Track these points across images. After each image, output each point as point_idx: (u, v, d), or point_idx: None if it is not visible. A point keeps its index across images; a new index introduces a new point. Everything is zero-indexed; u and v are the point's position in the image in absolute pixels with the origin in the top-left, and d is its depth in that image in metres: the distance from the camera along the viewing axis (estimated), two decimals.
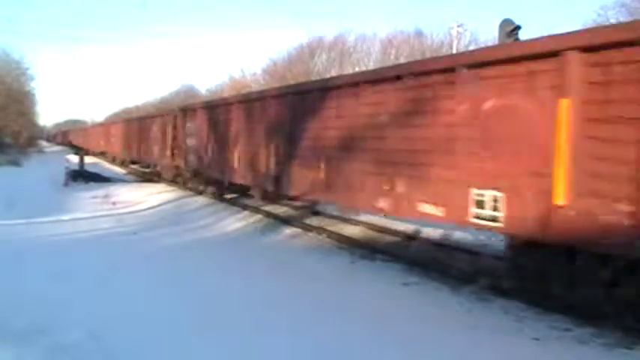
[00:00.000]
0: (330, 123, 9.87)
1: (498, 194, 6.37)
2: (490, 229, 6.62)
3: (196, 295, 6.94)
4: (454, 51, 33.26)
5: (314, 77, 33.11)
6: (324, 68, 40.41)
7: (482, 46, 33.30)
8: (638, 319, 5.63)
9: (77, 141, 55.47)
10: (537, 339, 5.69)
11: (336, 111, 9.71)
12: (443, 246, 10.19)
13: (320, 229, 11.89)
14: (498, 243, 8.82)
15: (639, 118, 5.04)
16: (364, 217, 12.51)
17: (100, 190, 19.73)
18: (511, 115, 6.27)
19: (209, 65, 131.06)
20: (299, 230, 12.16)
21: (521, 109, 6.13)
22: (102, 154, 41.32)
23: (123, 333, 5.33)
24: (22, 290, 6.63)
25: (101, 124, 48.18)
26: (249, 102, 13.91)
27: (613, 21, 24.86)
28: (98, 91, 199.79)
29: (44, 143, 77.52)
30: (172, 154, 20.57)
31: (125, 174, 29.18)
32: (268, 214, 14.04)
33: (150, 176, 25.66)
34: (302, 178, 10.79)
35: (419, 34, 40.54)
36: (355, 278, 8.33)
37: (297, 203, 14.76)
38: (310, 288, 7.60)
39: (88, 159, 28.54)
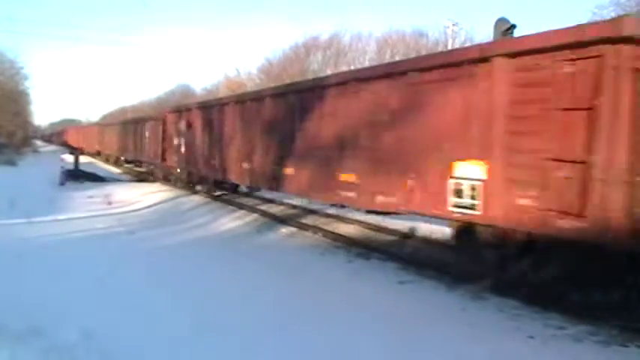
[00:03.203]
0: None
1: None
2: None
3: (194, 296, 6.95)
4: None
5: (310, 76, 33.11)
6: (319, 67, 40.40)
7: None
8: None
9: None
10: (532, 337, 5.72)
11: None
12: (437, 244, 10.22)
13: (316, 228, 11.91)
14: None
15: None
16: (360, 216, 12.54)
17: (95, 190, 19.72)
18: None
19: (205, 65, 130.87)
20: (295, 229, 12.17)
21: None
22: None
23: (121, 333, 5.34)
24: (19, 290, 6.62)
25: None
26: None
27: None
28: (93, 90, 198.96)
29: (39, 143, 77.29)
30: None
31: (120, 173, 29.11)
32: (264, 213, 14.05)
33: (145, 175, 25.68)
34: None
35: (414, 33, 40.57)
36: (352, 277, 8.35)
37: (293, 202, 14.90)
38: (307, 287, 7.61)
39: (83, 158, 28.51)
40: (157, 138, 22.72)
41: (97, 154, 42.26)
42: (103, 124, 43.57)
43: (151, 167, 25.62)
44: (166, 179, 22.40)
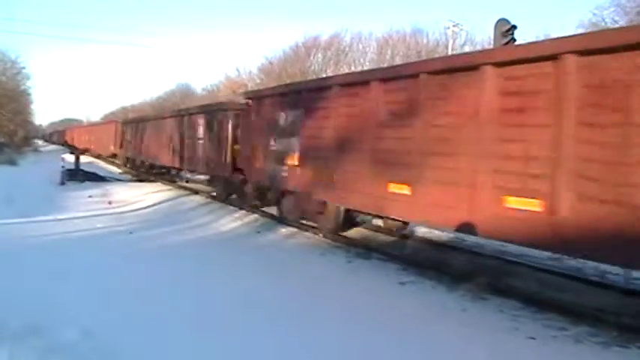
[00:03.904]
0: None
1: None
2: None
3: (193, 295, 6.93)
4: (450, 51, 33.29)
5: (310, 77, 33.13)
6: (319, 68, 40.39)
7: (478, 46, 33.41)
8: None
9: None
10: (533, 338, 5.72)
11: None
12: (437, 245, 10.24)
13: (316, 229, 11.88)
14: (495, 242, 8.87)
15: None
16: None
17: (96, 189, 19.71)
18: None
19: (205, 64, 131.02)
20: (295, 230, 12.16)
21: None
22: None
23: (120, 331, 5.33)
24: (19, 289, 6.61)
25: None
26: None
27: (608, 21, 24.94)
28: (94, 90, 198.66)
29: (40, 142, 77.39)
30: None
31: (121, 173, 29.10)
32: (264, 214, 14.02)
33: (145, 175, 25.57)
34: None
35: (415, 33, 40.54)
36: (352, 277, 8.35)
37: None
38: (307, 287, 7.61)
39: (84, 158, 28.42)
40: (220, 138, 15.91)
41: (112, 157, 35.44)
42: (127, 121, 33.29)
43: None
44: (231, 198, 16.02)
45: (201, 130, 17.87)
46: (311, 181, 10.82)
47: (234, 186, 15.64)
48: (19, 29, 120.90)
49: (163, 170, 24.79)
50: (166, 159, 22.26)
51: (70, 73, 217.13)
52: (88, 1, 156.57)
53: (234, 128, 15.26)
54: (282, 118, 12.14)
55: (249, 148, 13.93)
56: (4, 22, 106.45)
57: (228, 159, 15.40)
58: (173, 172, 24.11)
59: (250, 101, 14.30)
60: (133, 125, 30.08)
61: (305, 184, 11.10)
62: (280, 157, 12.06)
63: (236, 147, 15.13)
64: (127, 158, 30.53)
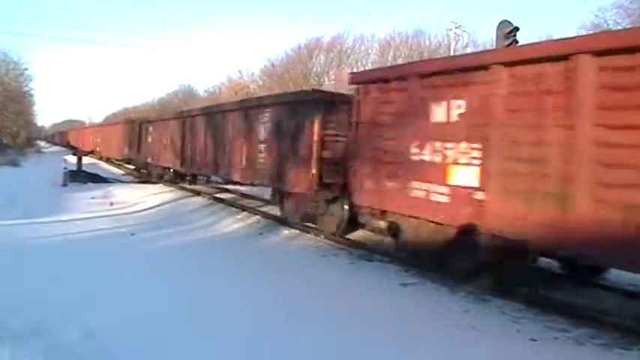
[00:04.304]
0: None
1: None
2: None
3: (194, 297, 6.92)
4: (452, 52, 33.29)
5: (312, 78, 33.13)
6: (322, 69, 40.43)
7: (481, 47, 33.39)
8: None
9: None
10: (534, 339, 5.71)
11: None
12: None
13: (318, 230, 11.86)
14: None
15: None
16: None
17: (98, 191, 19.70)
18: None
19: (207, 66, 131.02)
20: (297, 231, 12.15)
21: None
22: None
23: (122, 333, 5.33)
24: (21, 290, 6.62)
25: None
26: None
27: (610, 23, 24.94)
28: (96, 91, 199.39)
29: (42, 143, 77.54)
30: None
31: (123, 174, 29.10)
32: (266, 215, 14.01)
33: (147, 177, 25.51)
34: None
35: (417, 34, 40.57)
36: (354, 279, 8.35)
37: None
38: (309, 288, 7.60)
39: (85, 159, 28.37)
40: (298, 141, 11.69)
41: (127, 162, 31.53)
42: (147, 121, 27.62)
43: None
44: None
45: (263, 131, 13.51)
46: (520, 215, 6.61)
47: (317, 206, 11.65)
48: (20, 30, 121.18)
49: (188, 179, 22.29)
50: (206, 168, 18.30)
51: (71, 74, 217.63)
52: (89, 2, 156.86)
53: (323, 127, 11.07)
54: (443, 110, 7.93)
55: (361, 157, 9.83)
56: (5, 22, 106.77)
57: (313, 170, 11.08)
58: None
59: (362, 87, 9.92)
60: (155, 125, 25.24)
61: (503, 218, 6.85)
62: (434, 173, 8.00)
63: (325, 153, 11.07)
64: (147, 164, 25.94)
